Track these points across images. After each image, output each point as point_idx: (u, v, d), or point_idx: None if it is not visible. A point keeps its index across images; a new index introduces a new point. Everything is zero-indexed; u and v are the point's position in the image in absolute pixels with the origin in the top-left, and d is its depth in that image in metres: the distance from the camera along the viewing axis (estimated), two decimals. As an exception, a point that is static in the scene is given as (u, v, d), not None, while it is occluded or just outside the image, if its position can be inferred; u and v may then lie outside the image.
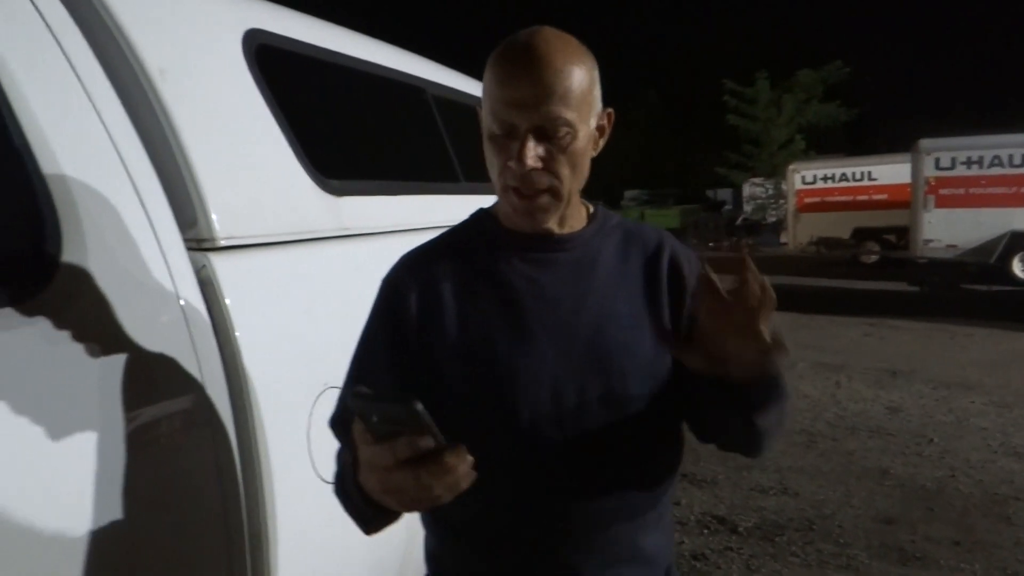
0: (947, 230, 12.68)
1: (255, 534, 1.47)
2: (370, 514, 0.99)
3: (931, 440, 5.14)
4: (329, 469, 1.59)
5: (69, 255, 1.22)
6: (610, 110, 1.13)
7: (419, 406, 0.79)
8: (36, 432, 1.09)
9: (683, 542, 3.70)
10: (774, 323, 0.93)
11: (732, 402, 1.01)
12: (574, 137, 1.03)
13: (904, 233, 14.86)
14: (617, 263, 1.16)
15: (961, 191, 12.64)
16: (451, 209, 2.30)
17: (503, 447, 1.03)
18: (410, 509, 0.90)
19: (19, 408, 1.07)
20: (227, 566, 1.41)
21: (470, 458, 0.84)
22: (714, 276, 0.92)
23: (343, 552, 1.71)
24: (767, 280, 0.91)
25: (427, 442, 0.82)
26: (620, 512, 1.09)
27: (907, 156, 14.04)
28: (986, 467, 4.60)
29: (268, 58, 1.82)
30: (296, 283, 1.65)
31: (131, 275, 1.30)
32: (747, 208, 27.08)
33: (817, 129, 26.59)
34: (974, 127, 13.14)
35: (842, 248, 17.87)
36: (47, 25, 1.32)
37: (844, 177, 17.76)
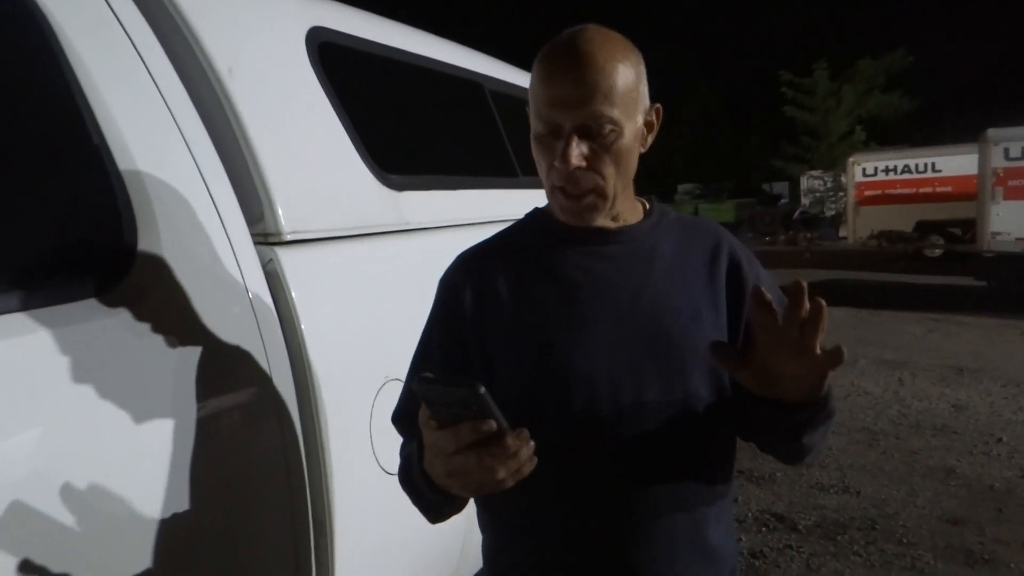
0: (1016, 223, 12.21)
1: (319, 521, 1.50)
2: (435, 501, 1.01)
3: (1000, 439, 4.97)
4: (390, 460, 1.62)
5: (144, 249, 1.26)
6: (658, 105, 1.12)
7: (482, 389, 0.81)
8: (116, 418, 1.14)
9: (741, 539, 3.65)
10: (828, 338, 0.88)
11: (780, 421, 1.01)
12: (619, 135, 1.03)
13: (970, 226, 14.36)
14: (676, 257, 1.15)
15: (1032, 182, 12.18)
16: (509, 204, 2.31)
17: (560, 439, 1.03)
18: (474, 493, 0.91)
19: (100, 394, 1.12)
20: (293, 552, 1.45)
21: (532, 443, 0.85)
22: (767, 292, 0.90)
23: (403, 541, 1.73)
24: (820, 299, 0.88)
25: (489, 426, 0.84)
26: (678, 505, 1.08)
27: (973, 146, 13.56)
28: (1059, 468, 4.45)
29: (330, 55, 1.85)
30: (358, 277, 1.68)
31: (202, 269, 1.34)
32: (805, 201, 26.47)
33: (878, 120, 25.89)
34: (1045, 116, 12.64)
35: (904, 242, 17.38)
36: (122, 26, 1.37)
37: (907, 169, 17.26)
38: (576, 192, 1.05)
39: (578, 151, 1.01)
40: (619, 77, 1.01)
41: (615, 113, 1.01)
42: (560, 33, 1.06)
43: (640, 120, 1.08)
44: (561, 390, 1.05)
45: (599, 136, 1.02)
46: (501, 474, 0.86)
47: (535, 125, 1.07)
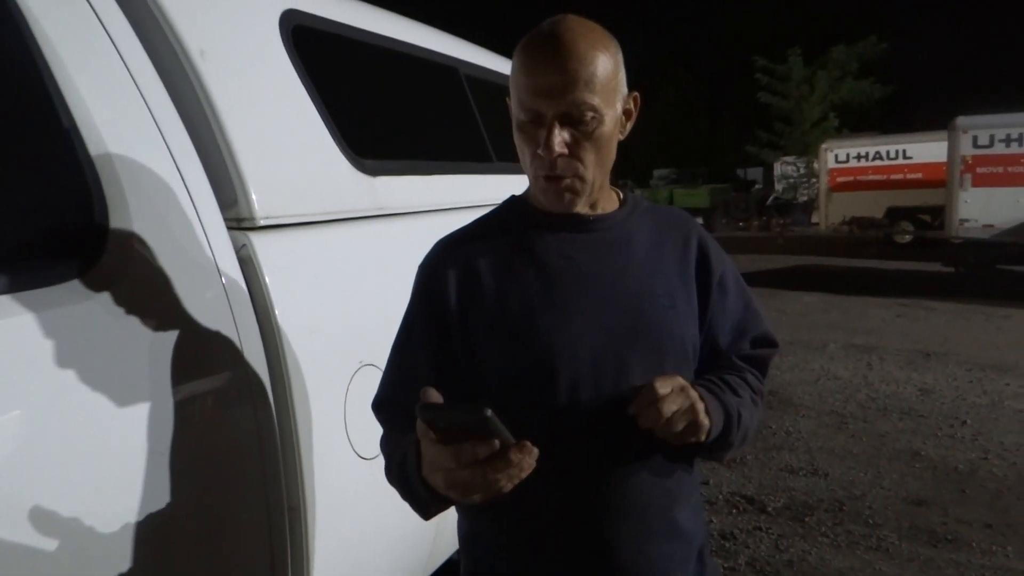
0: (984, 210, 12.40)
1: (293, 506, 1.50)
2: (431, 502, 1.02)
3: (964, 422, 5.07)
4: (365, 445, 1.63)
5: (115, 235, 1.25)
6: (635, 94, 1.15)
7: (489, 413, 0.80)
8: (88, 403, 1.14)
9: (712, 521, 3.70)
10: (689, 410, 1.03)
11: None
12: (600, 122, 1.05)
13: (939, 213, 14.58)
14: (651, 245, 1.18)
15: (999, 170, 12.34)
16: (484, 189, 2.32)
17: (543, 421, 1.05)
18: (475, 501, 0.92)
19: (72, 380, 1.12)
20: (267, 536, 1.45)
21: (535, 451, 0.86)
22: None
23: (377, 523, 1.74)
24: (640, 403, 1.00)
25: (492, 447, 0.84)
26: (655, 486, 1.11)
27: (943, 134, 13.72)
28: (1021, 450, 4.53)
29: (304, 38, 1.84)
30: (333, 262, 1.68)
31: (173, 254, 1.33)
32: (778, 187, 26.64)
33: (851, 107, 26.10)
34: (1013, 104, 12.79)
35: (875, 228, 17.60)
36: (92, 8, 1.35)
37: (878, 156, 17.44)
38: (558, 177, 1.08)
39: (560, 139, 1.04)
40: (599, 66, 1.03)
41: (596, 101, 1.03)
42: (540, 23, 1.08)
43: (619, 108, 1.10)
44: (545, 374, 1.07)
45: (580, 124, 1.04)
46: (503, 483, 0.87)
47: (517, 113, 1.08)
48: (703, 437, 1.05)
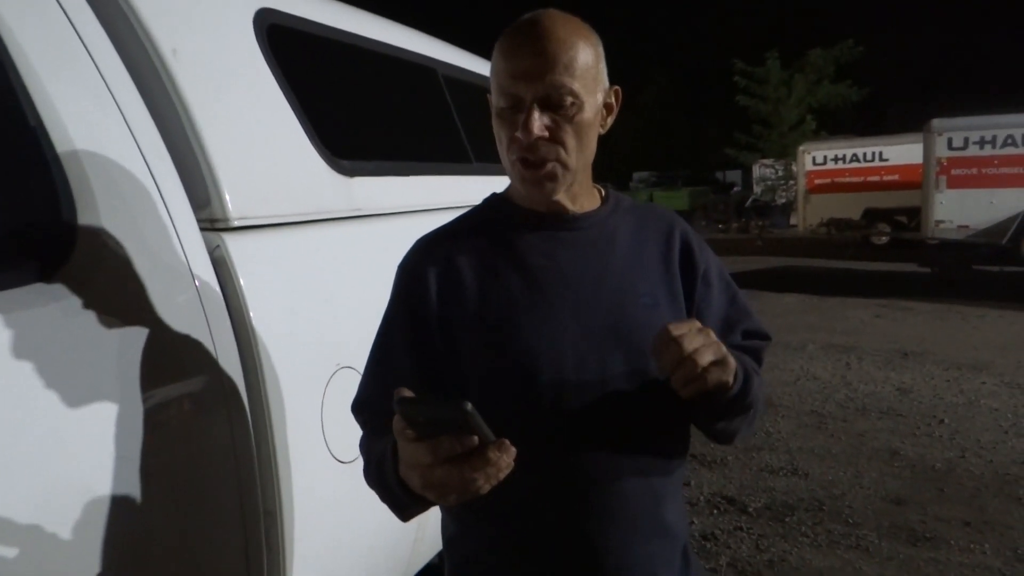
0: (959, 211, 12.58)
1: (269, 510, 1.48)
2: (408, 503, 1.00)
3: (942, 421, 5.12)
4: (342, 448, 1.61)
5: (84, 236, 1.23)
6: (617, 88, 1.15)
7: (469, 407, 0.78)
8: (58, 408, 1.11)
9: (693, 522, 3.70)
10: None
11: (697, 407, 1.05)
12: (580, 108, 1.04)
13: (915, 214, 14.75)
14: (633, 243, 1.18)
15: (973, 171, 12.52)
16: (463, 190, 2.30)
17: (526, 422, 1.03)
18: (451, 502, 0.89)
19: (42, 384, 1.09)
20: (243, 542, 1.43)
21: (513, 449, 0.83)
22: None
23: (355, 527, 1.72)
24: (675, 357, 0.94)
25: (471, 442, 0.82)
26: (640, 485, 1.10)
27: (919, 136, 13.89)
28: (997, 448, 4.59)
29: (279, 38, 1.82)
30: (309, 263, 1.66)
31: (145, 256, 1.30)
32: (757, 190, 26.80)
33: (828, 109, 26.29)
34: (987, 107, 12.98)
35: (853, 229, 17.76)
36: (61, 5, 1.32)
37: (855, 158, 17.60)
38: (537, 162, 1.06)
39: (540, 122, 1.03)
40: (579, 52, 1.03)
41: (576, 85, 1.03)
42: (521, 15, 1.08)
43: (600, 99, 1.09)
44: (527, 374, 1.06)
45: (560, 108, 1.03)
46: (480, 482, 0.84)
47: (497, 100, 1.07)
48: (731, 379, 0.99)
